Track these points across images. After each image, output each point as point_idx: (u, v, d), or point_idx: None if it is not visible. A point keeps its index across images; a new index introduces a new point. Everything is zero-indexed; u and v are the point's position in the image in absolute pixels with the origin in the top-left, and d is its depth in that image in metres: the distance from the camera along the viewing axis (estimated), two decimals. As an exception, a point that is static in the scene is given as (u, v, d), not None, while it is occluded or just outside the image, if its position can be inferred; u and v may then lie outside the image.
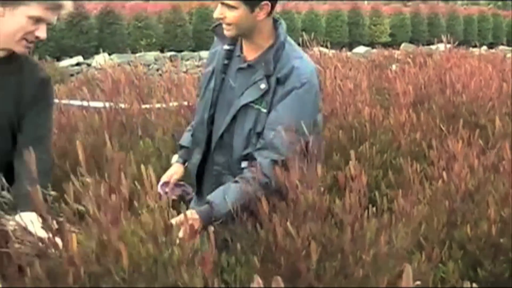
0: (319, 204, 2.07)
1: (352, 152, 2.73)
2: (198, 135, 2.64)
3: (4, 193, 1.98)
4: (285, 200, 2.14)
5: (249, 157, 2.42)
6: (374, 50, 13.64)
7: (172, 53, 15.61)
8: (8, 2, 2.26)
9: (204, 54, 15.35)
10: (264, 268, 1.98)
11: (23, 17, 2.28)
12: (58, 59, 13.73)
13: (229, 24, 2.41)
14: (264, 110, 2.42)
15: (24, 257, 1.69)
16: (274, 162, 2.29)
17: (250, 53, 2.52)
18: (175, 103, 3.78)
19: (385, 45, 15.21)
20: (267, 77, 2.42)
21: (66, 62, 14.04)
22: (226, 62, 2.56)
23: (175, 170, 2.75)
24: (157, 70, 13.88)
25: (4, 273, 1.75)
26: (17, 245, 1.72)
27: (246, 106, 2.43)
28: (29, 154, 1.84)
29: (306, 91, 2.42)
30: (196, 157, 2.62)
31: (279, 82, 2.41)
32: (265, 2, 2.38)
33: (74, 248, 1.62)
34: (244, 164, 2.43)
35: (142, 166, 1.88)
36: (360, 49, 17.82)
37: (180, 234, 1.82)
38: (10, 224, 1.82)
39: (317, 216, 2.07)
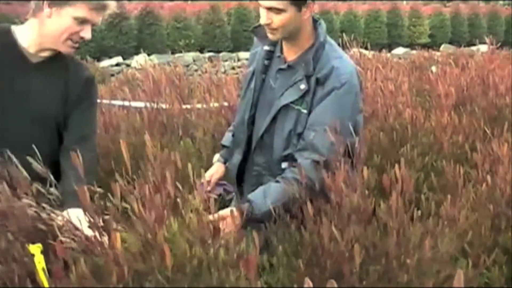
0: (363, 207, 2.05)
1: (399, 155, 2.73)
2: (238, 135, 2.65)
3: (52, 189, 2.00)
4: (327, 202, 2.12)
5: (290, 158, 2.41)
6: (414, 52, 13.48)
7: (211, 53, 15.68)
8: (55, 2, 2.29)
9: (242, 55, 15.40)
10: (308, 271, 1.96)
11: (69, 18, 2.31)
12: (98, 59, 13.88)
13: (276, 29, 2.41)
14: (304, 111, 2.41)
15: (70, 253, 1.71)
16: (315, 163, 2.28)
17: (290, 53, 2.51)
18: (216, 104, 3.78)
19: (425, 46, 15.04)
20: (307, 77, 2.41)
21: (106, 63, 14.20)
22: (266, 62, 2.56)
23: (216, 169, 2.76)
24: (196, 70, 13.95)
25: (50, 269, 1.77)
26: (63, 240, 1.74)
27: (286, 106, 2.43)
28: (75, 152, 1.87)
29: (346, 91, 2.40)
30: (237, 157, 2.63)
31: (318, 82, 2.40)
32: (309, 1, 2.38)
33: (119, 246, 1.62)
34: (284, 165, 2.42)
35: (190, 166, 1.88)
36: (399, 50, 17.66)
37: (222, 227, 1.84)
38: (58, 219, 1.85)
39: (361, 219, 2.05)
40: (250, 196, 2.31)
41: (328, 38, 2.51)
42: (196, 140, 3.36)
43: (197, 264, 1.76)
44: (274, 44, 2.56)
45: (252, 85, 2.57)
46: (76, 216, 1.86)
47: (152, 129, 3.25)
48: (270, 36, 2.45)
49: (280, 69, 2.51)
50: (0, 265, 1.76)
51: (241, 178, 2.66)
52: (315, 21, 2.50)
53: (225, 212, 2.14)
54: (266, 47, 2.57)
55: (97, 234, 1.73)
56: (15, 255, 1.77)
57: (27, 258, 1.77)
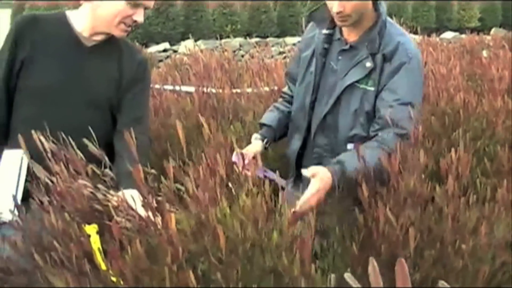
0: (419, 191, 2.02)
1: (451, 140, 2.67)
2: (297, 121, 2.62)
3: (107, 171, 2.03)
4: (384, 185, 2.10)
5: (356, 139, 2.40)
6: (463, 36, 13.20)
7: (257, 39, 15.65)
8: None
9: (289, 40, 15.30)
10: (362, 255, 1.94)
11: (122, 1, 2.32)
12: (146, 45, 14.00)
13: (348, 15, 2.39)
14: (371, 89, 2.40)
15: (125, 233, 1.73)
16: (399, 136, 2.26)
17: (350, 35, 2.50)
18: (266, 88, 3.77)
19: (474, 30, 14.72)
20: (372, 55, 2.40)
21: (153, 49, 14.30)
22: (326, 46, 2.54)
23: (253, 145, 2.69)
24: (242, 56, 13.94)
25: (105, 249, 1.80)
26: (119, 220, 1.76)
27: (351, 86, 2.42)
28: (129, 134, 1.88)
29: (415, 65, 2.42)
30: (296, 143, 2.62)
31: (385, 59, 2.39)
32: None
33: (173, 227, 1.63)
34: (350, 145, 2.41)
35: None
36: (448, 35, 17.30)
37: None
38: (113, 200, 1.87)
39: (416, 203, 2.02)
40: (339, 157, 2.31)
41: (387, 17, 2.51)
42: (246, 124, 3.35)
43: (250, 246, 1.76)
44: (332, 27, 2.54)
45: (311, 69, 2.56)
46: (131, 196, 1.87)
47: (202, 112, 3.26)
48: (340, 23, 2.44)
49: (342, 50, 2.50)
50: (58, 245, 1.79)
51: (299, 163, 2.63)
52: (374, 1, 2.47)
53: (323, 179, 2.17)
54: (325, 31, 2.55)
55: (150, 214, 1.74)
56: (72, 235, 1.80)
57: (84, 238, 1.80)
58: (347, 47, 2.49)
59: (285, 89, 2.85)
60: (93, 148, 2.04)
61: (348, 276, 0.86)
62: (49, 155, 1.97)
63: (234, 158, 2.45)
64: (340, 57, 2.50)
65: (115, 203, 1.85)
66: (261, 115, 3.45)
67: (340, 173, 2.20)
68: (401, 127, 2.27)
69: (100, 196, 1.87)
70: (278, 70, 4.20)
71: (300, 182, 2.53)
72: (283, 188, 2.61)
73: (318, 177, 2.17)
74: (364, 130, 2.41)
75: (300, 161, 2.63)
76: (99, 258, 1.76)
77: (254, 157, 2.44)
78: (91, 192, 1.86)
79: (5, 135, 2.40)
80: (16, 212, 2.01)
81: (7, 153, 2.32)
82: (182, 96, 3.74)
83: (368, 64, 2.39)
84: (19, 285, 1.83)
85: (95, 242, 1.81)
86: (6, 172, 2.31)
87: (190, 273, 1.59)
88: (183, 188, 1.80)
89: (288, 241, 1.79)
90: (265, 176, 2.66)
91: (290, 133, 2.69)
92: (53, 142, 2.00)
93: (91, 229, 1.84)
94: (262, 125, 2.78)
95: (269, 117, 2.77)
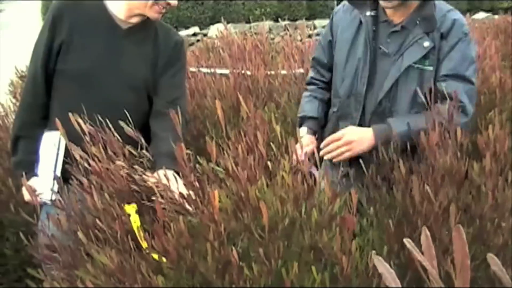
0: (456, 169, 2.01)
1: (486, 119, 2.65)
2: (344, 108, 2.54)
3: (144, 151, 2.06)
4: (421, 162, 2.10)
5: None
6: (496, 16, 12.99)
7: (287, 22, 15.57)
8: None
9: (318, 22, 15.20)
10: (399, 232, 1.95)
11: None
12: (176, 30, 14.03)
13: None
14: (429, 68, 2.36)
15: (165, 213, 1.76)
16: (455, 108, 2.20)
17: (397, 15, 2.43)
18: (301, 70, 3.77)
19: (507, 10, 14.47)
20: (427, 34, 2.36)
21: (183, 33, 14.31)
22: (374, 28, 2.47)
23: (310, 141, 2.62)
24: (272, 39, 13.88)
25: (145, 228, 1.83)
26: (160, 201, 1.79)
27: (407, 67, 2.37)
28: (166, 115, 1.91)
29: (469, 41, 2.41)
30: None
31: (442, 36, 2.36)
32: None
33: (216, 204, 1.65)
34: None
35: (278, 128, 1.88)
36: (481, 15, 17.05)
37: None
38: (151, 181, 1.89)
39: (453, 180, 2.02)
40: (388, 119, 2.33)
41: None
42: (280, 105, 3.36)
43: (289, 224, 1.78)
44: (375, 9, 2.48)
45: (358, 54, 2.48)
46: (173, 175, 1.90)
47: (237, 93, 3.27)
48: (386, 4, 2.39)
49: (393, 32, 2.43)
50: (101, 222, 1.83)
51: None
52: None
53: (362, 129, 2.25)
54: (369, 13, 2.47)
55: (191, 193, 1.77)
56: (113, 214, 1.83)
57: (125, 217, 1.84)
58: (397, 28, 2.42)
59: (314, 74, 2.77)
60: (130, 130, 2.07)
61: (375, 256, 0.87)
62: (87, 137, 2.01)
63: (302, 156, 2.47)
64: (389, 40, 2.44)
65: (152, 184, 1.87)
66: (295, 97, 3.46)
67: (384, 133, 2.23)
68: (459, 101, 2.23)
69: (137, 177, 1.89)
70: (311, 51, 4.17)
71: (353, 173, 2.47)
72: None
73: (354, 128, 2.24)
74: (424, 109, 2.32)
75: None
76: (139, 236, 1.80)
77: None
78: (128, 173, 1.89)
79: (45, 118, 2.45)
80: (57, 192, 2.06)
81: (47, 135, 2.37)
82: (217, 78, 3.76)
83: (426, 43, 2.34)
84: (63, 262, 1.87)
85: (135, 221, 1.85)
86: (45, 153, 2.36)
87: (233, 250, 1.61)
88: (219, 168, 1.82)
89: (327, 218, 1.81)
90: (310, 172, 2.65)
91: (334, 120, 2.60)
92: (90, 124, 2.04)
93: (131, 209, 1.87)
94: (307, 118, 2.69)
95: (312, 108, 2.69)
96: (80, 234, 1.86)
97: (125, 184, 1.89)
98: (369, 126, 2.42)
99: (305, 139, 2.58)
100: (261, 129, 1.83)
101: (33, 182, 2.38)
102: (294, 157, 2.56)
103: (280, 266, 1.69)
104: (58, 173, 2.30)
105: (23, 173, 2.34)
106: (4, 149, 3.03)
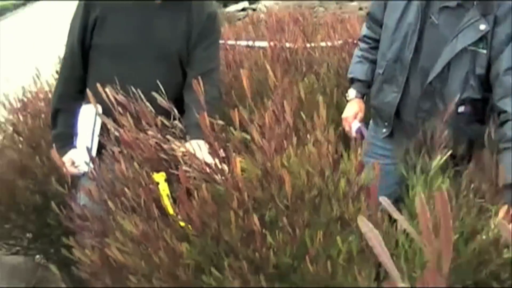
0: None
1: None
2: (390, 72, 2.49)
3: (176, 122, 2.07)
4: None
5: (468, 101, 2.32)
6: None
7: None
8: None
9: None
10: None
11: None
12: (225, 5, 14.00)
13: None
14: (483, 51, 2.27)
15: (192, 181, 1.76)
16: None
17: None
18: (340, 41, 3.71)
19: None
20: (484, 16, 2.26)
21: (232, 8, 14.30)
22: None
23: (359, 107, 2.62)
24: (315, 11, 13.71)
25: (174, 196, 1.84)
26: (185, 169, 1.79)
27: (461, 49, 2.29)
28: (198, 86, 1.91)
29: None
30: (390, 96, 2.50)
31: (496, 21, 2.25)
32: None
33: (238, 172, 1.65)
34: (461, 109, 2.32)
35: (321, 98, 1.84)
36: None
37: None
38: (180, 150, 1.90)
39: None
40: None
41: None
42: (320, 76, 3.32)
43: (316, 195, 1.76)
44: None
45: (409, 19, 2.42)
46: (198, 146, 1.90)
47: (275, 65, 3.24)
48: None
49: (446, 7, 2.34)
50: (129, 191, 1.85)
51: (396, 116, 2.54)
52: None
53: None
54: None
55: (217, 162, 1.77)
56: (141, 182, 1.85)
57: (152, 185, 1.85)
58: (453, 4, 2.32)
59: (367, 31, 2.73)
60: (162, 101, 2.07)
61: (359, 217, 0.84)
62: (120, 108, 2.03)
63: (355, 129, 2.49)
64: (442, 13, 2.35)
65: (180, 153, 1.88)
66: (335, 67, 3.41)
67: None
68: None
69: (165, 146, 1.90)
70: (351, 21, 4.12)
71: (392, 138, 2.48)
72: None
73: None
74: (475, 93, 2.30)
75: (397, 115, 2.51)
76: (167, 204, 1.81)
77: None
78: (157, 143, 1.90)
79: (83, 91, 2.48)
80: (90, 163, 2.09)
81: (84, 108, 2.40)
82: (256, 51, 3.73)
83: (483, 26, 2.24)
84: (94, 230, 1.90)
85: (164, 189, 1.86)
86: (83, 126, 2.40)
87: (255, 218, 1.61)
88: (248, 137, 1.81)
89: (355, 190, 1.78)
90: (359, 132, 2.62)
91: (379, 82, 2.56)
92: (123, 95, 2.05)
93: (160, 177, 1.89)
94: (356, 80, 2.67)
95: (361, 70, 2.67)
96: (110, 203, 1.89)
97: (154, 153, 1.89)
98: (418, 104, 2.40)
99: (353, 105, 2.58)
100: (288, 97, 1.80)
101: (71, 154, 2.43)
102: (347, 127, 2.55)
103: (305, 235, 1.68)
104: (95, 144, 2.33)
105: (62, 145, 2.40)
106: (48, 123, 3.09)
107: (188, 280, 1.67)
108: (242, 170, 1.73)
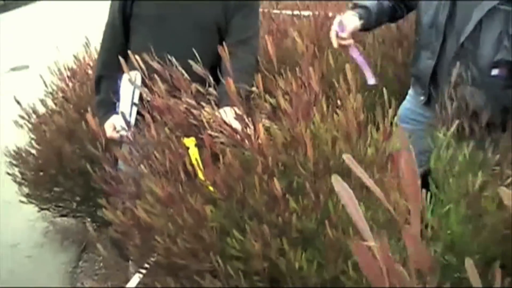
0: None
1: None
2: (427, 37, 2.45)
3: (211, 89, 2.09)
4: None
5: (502, 63, 2.24)
6: None
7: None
8: None
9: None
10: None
11: None
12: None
13: None
14: None
15: (218, 146, 1.80)
16: None
17: None
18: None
19: None
20: None
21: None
22: None
23: (352, 20, 2.43)
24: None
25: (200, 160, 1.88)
26: (212, 134, 1.82)
27: (491, 8, 2.23)
28: (234, 54, 1.92)
29: None
30: (426, 62, 2.46)
31: None
32: None
33: (262, 137, 1.67)
34: (494, 71, 2.25)
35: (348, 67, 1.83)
36: None
37: None
38: (206, 116, 1.93)
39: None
40: None
41: None
42: (366, 46, 3.28)
43: (342, 161, 1.75)
44: None
45: None
46: (227, 113, 1.93)
47: (318, 34, 3.23)
48: None
49: None
50: (159, 155, 1.89)
51: (433, 83, 2.49)
52: None
53: None
54: None
55: (245, 127, 1.79)
56: (171, 147, 1.89)
57: (182, 150, 1.89)
58: None
59: None
60: (198, 68, 2.10)
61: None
62: (155, 75, 2.07)
63: (335, 26, 2.36)
64: None
65: (207, 118, 1.90)
66: (381, 37, 3.37)
67: None
68: None
69: (195, 111, 1.93)
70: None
71: (433, 101, 2.41)
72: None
73: None
74: (509, 54, 2.22)
75: (434, 81, 2.47)
76: (197, 168, 1.85)
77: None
78: (187, 108, 1.93)
79: (126, 59, 2.54)
80: (127, 128, 2.15)
81: (126, 75, 2.46)
82: (301, 20, 3.71)
83: None
84: (128, 193, 1.96)
85: (194, 154, 1.90)
86: (125, 92, 2.46)
87: (277, 184, 1.63)
88: (272, 101, 1.82)
89: (382, 157, 1.78)
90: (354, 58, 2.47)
91: (417, 49, 2.53)
92: (159, 63, 2.09)
93: (190, 142, 1.92)
94: (359, 6, 2.52)
95: (369, 2, 2.54)
96: (142, 166, 1.94)
97: (184, 119, 1.93)
98: (448, 69, 2.30)
99: (349, 17, 2.44)
100: (315, 65, 1.81)
101: (113, 119, 2.49)
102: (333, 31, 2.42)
103: (328, 202, 1.69)
104: (134, 111, 2.39)
105: (105, 112, 2.47)
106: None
107: (211, 241, 1.71)
108: (269, 135, 1.76)
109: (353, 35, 2.43)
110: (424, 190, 1.82)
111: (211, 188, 1.78)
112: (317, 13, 3.52)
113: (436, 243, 1.72)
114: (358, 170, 0.71)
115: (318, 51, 3.00)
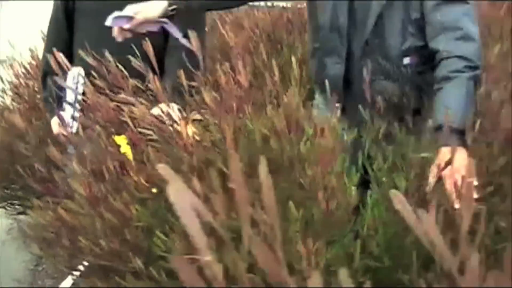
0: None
1: None
2: (329, 42, 2.31)
3: (150, 85, 2.05)
4: None
5: (411, 51, 2.19)
6: None
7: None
8: None
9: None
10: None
11: None
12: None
13: None
14: None
15: (146, 143, 1.76)
16: (461, 39, 2.01)
17: None
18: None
19: None
20: None
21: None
22: None
23: (151, 7, 2.12)
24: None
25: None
26: (143, 131, 1.79)
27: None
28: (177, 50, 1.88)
29: None
30: (335, 68, 2.32)
31: None
32: None
33: (185, 136, 1.64)
34: (406, 60, 2.19)
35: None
36: None
37: None
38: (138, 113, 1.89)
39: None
40: (438, 119, 1.89)
41: None
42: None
43: (273, 159, 1.72)
44: None
45: None
46: (162, 108, 1.89)
47: (274, 27, 3.18)
48: None
49: None
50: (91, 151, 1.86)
51: (346, 90, 2.35)
52: None
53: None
54: None
55: (172, 124, 1.76)
56: (101, 144, 1.86)
57: (112, 148, 1.85)
58: None
59: None
60: (137, 63, 2.05)
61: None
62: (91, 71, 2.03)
63: (109, 22, 2.09)
64: None
65: (140, 115, 1.87)
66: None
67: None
68: (460, 30, 2.01)
69: (126, 108, 1.89)
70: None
71: (348, 106, 2.31)
72: None
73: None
74: (417, 39, 2.16)
75: (347, 85, 2.34)
76: (128, 166, 1.81)
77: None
78: (117, 105, 1.89)
79: (70, 55, 2.50)
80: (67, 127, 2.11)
81: (71, 71, 2.42)
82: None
83: None
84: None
85: (126, 152, 1.86)
86: (69, 88, 2.42)
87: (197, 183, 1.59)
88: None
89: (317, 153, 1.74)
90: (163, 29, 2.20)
91: (319, 56, 2.36)
92: (97, 59, 2.05)
93: (121, 140, 1.88)
94: None
95: None
96: (74, 165, 1.90)
97: (114, 116, 1.89)
98: (358, 67, 2.21)
99: (150, 5, 2.13)
100: (246, 58, 1.77)
101: (59, 116, 2.46)
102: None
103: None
104: (78, 108, 2.35)
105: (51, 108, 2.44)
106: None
107: (135, 242, 1.67)
108: (197, 133, 1.72)
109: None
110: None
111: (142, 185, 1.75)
112: (270, 3, 3.48)
113: (372, 244, 1.70)
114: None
115: (277, 44, 2.97)
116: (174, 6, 2.11)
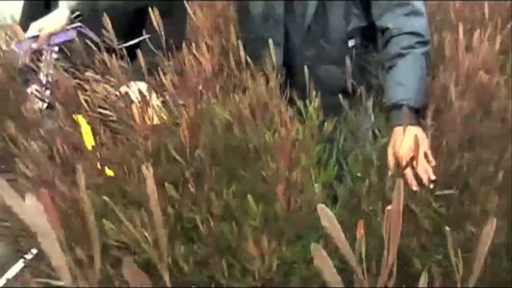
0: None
1: None
2: (264, 32, 2.16)
3: (122, 63, 1.97)
4: None
5: (356, 32, 2.12)
6: None
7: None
8: None
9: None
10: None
11: None
12: None
13: None
14: None
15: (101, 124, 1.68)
16: (412, 14, 1.96)
17: None
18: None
19: None
20: None
21: None
22: None
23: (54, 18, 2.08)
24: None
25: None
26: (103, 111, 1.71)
27: None
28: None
29: None
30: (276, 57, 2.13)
31: None
32: None
33: (138, 118, 1.55)
34: (351, 42, 2.12)
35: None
36: None
37: None
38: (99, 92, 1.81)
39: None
40: (390, 99, 1.87)
41: None
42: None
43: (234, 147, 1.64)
44: None
45: None
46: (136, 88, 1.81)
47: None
48: None
49: None
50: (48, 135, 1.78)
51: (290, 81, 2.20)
52: None
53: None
54: None
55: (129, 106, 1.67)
56: (60, 124, 1.78)
57: (69, 127, 1.77)
58: None
59: None
60: (112, 38, 1.96)
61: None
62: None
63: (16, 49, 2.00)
64: None
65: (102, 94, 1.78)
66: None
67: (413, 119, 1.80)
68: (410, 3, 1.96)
69: (87, 87, 1.80)
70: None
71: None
72: None
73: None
74: (361, 20, 2.10)
75: (291, 78, 2.19)
76: (88, 140, 1.73)
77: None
78: (78, 83, 1.81)
79: None
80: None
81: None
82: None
83: None
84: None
85: (87, 132, 1.78)
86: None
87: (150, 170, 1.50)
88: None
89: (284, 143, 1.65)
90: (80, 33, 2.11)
91: (251, 49, 2.07)
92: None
93: (81, 119, 1.80)
94: None
95: None
96: (33, 144, 1.82)
97: (75, 95, 1.80)
98: (300, 53, 2.16)
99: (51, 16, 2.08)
100: (215, 38, 1.67)
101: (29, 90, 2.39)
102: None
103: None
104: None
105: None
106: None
107: (83, 226, 1.58)
108: (159, 116, 1.64)
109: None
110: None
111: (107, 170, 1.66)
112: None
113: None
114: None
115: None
116: (77, 13, 2.08)
